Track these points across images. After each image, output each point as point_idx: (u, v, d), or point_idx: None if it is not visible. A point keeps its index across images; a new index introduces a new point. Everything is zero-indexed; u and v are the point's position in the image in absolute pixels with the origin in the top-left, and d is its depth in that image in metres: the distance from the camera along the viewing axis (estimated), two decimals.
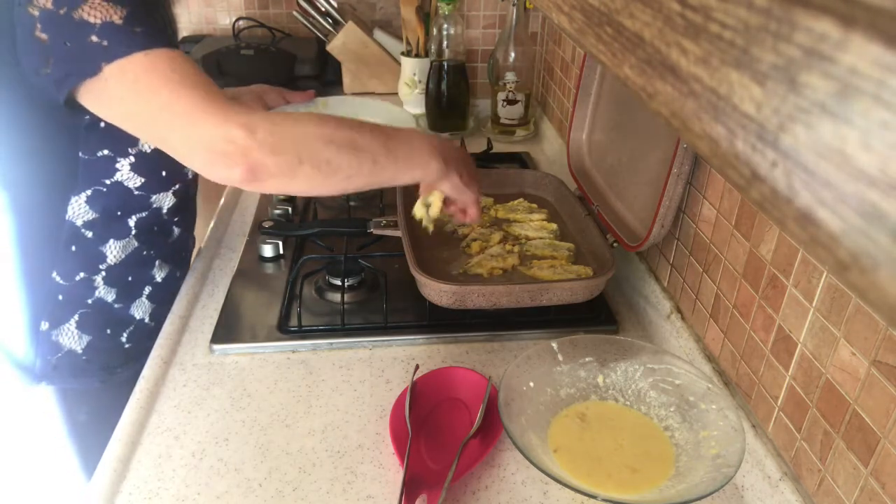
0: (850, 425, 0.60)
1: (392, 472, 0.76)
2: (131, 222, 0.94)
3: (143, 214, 0.95)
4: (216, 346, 0.94)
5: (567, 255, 1.07)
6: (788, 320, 0.69)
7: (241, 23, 1.97)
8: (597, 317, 1.01)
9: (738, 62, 0.17)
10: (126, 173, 0.89)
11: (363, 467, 0.77)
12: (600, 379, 0.85)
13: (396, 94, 1.82)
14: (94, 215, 0.91)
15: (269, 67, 1.79)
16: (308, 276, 1.05)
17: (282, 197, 1.28)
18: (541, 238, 1.12)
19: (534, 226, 1.16)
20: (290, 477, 0.76)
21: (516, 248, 1.07)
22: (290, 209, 1.24)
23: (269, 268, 1.12)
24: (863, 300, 0.14)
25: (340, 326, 0.97)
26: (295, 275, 1.05)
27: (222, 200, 1.34)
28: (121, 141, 0.86)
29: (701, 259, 0.88)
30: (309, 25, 1.87)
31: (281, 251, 1.14)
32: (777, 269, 0.71)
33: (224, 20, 1.99)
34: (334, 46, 1.83)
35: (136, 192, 0.92)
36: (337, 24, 1.85)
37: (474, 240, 1.09)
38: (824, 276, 0.64)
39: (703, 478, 0.70)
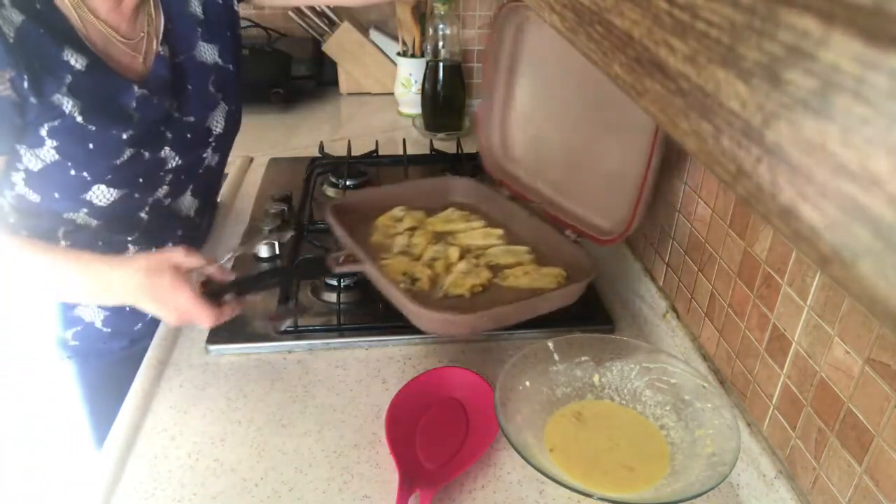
0: (845, 423, 0.60)
1: (388, 472, 0.76)
2: (59, 233, 0.92)
3: (69, 229, 0.92)
4: (212, 347, 0.94)
5: (529, 258, 1.05)
6: (783, 319, 0.69)
7: None
8: (592, 316, 1.01)
9: (724, 60, 0.18)
10: (22, 188, 0.88)
11: (359, 467, 0.77)
12: (596, 378, 0.85)
13: (392, 94, 1.82)
14: (14, 218, 0.91)
15: (265, 68, 1.79)
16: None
17: (276, 196, 1.28)
18: (494, 245, 1.08)
19: (479, 234, 1.11)
20: (286, 477, 0.76)
21: (482, 261, 1.04)
22: (286, 208, 1.24)
23: (266, 268, 1.12)
24: (846, 292, 0.14)
25: (336, 326, 0.97)
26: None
27: (218, 200, 1.34)
28: (12, 154, 0.84)
29: (696, 258, 0.88)
30: (305, 25, 1.87)
31: (277, 251, 1.14)
32: (771, 268, 0.71)
33: None
34: (330, 47, 1.83)
35: (40, 207, 0.90)
36: (333, 25, 1.85)
37: (434, 259, 1.04)
38: (818, 274, 0.64)
39: (699, 476, 0.70)
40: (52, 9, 0.82)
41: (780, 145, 0.15)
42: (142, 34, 0.91)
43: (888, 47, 0.12)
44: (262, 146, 1.60)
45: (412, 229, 1.12)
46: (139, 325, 1.06)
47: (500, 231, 1.12)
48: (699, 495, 0.67)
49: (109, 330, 1.04)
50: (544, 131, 1.15)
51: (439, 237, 1.11)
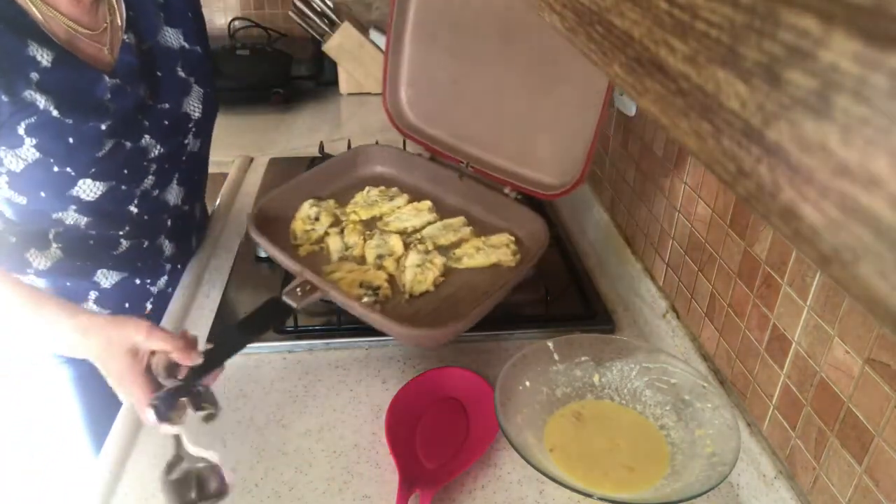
0: (845, 423, 0.60)
1: (388, 472, 0.76)
2: (50, 235, 0.93)
3: (59, 230, 0.92)
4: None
5: (468, 230, 1.02)
6: (783, 319, 0.69)
7: (236, 23, 1.97)
8: (593, 316, 1.01)
9: (724, 60, 0.18)
10: (7, 191, 0.87)
11: (359, 467, 0.77)
12: (596, 378, 0.85)
13: None
14: (1, 225, 0.91)
15: (265, 68, 1.80)
16: None
17: None
18: (429, 223, 1.04)
19: (408, 212, 1.06)
20: (286, 477, 0.76)
21: (431, 246, 1.00)
22: None
23: (265, 268, 1.12)
24: (846, 292, 0.14)
25: (336, 327, 0.97)
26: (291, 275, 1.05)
27: (218, 201, 1.34)
28: None
29: (696, 258, 0.88)
30: (305, 25, 1.88)
31: None
32: (771, 268, 0.71)
33: (220, 20, 1.99)
34: (330, 47, 1.83)
35: (28, 209, 0.89)
36: (333, 25, 1.85)
37: (380, 256, 0.99)
38: (818, 274, 0.64)
39: (699, 476, 0.70)
40: (12, 5, 0.81)
41: (780, 145, 0.15)
42: (104, 25, 0.91)
43: (888, 47, 0.12)
44: (262, 146, 1.60)
45: (335, 225, 1.05)
46: None
47: (428, 203, 1.07)
48: (699, 495, 0.67)
49: None
50: (465, 88, 1.11)
51: (370, 226, 1.06)
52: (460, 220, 1.05)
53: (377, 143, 1.51)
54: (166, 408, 0.68)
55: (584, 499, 0.72)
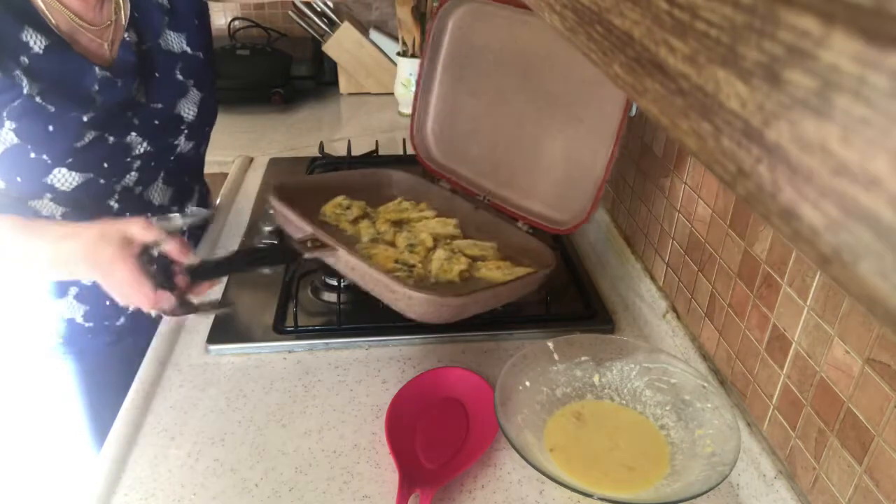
0: (845, 423, 0.60)
1: (388, 472, 0.76)
2: None
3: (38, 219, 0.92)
4: (212, 347, 0.94)
5: (495, 254, 1.05)
6: (783, 319, 0.69)
7: (236, 23, 1.97)
8: (593, 316, 1.01)
9: (724, 60, 0.17)
10: None
11: (359, 467, 0.77)
12: (596, 378, 0.85)
13: (392, 94, 1.82)
14: None
15: (265, 68, 1.80)
16: (304, 276, 1.05)
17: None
18: (456, 237, 1.08)
19: (435, 223, 1.10)
20: (286, 477, 0.76)
21: (458, 250, 1.03)
22: None
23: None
24: (846, 292, 0.14)
25: (336, 327, 0.97)
26: (291, 274, 1.05)
27: (218, 200, 1.34)
28: None
29: (696, 258, 0.88)
30: (305, 26, 1.88)
31: None
32: (771, 268, 0.71)
33: (220, 20, 1.99)
34: (330, 47, 1.83)
35: (6, 194, 0.90)
36: (333, 25, 1.85)
37: (412, 244, 1.03)
38: (818, 274, 0.64)
39: (699, 476, 0.70)
40: None
41: (780, 145, 0.15)
42: (108, 22, 0.92)
43: (888, 47, 0.12)
44: (262, 146, 1.60)
45: (363, 217, 1.10)
46: (122, 320, 1.06)
47: (454, 220, 1.11)
48: (699, 495, 0.67)
49: (91, 324, 1.04)
50: (485, 126, 1.15)
51: (399, 225, 1.09)
52: (492, 244, 1.07)
53: (376, 141, 1.52)
54: (164, 278, 0.71)
55: (584, 499, 0.72)
